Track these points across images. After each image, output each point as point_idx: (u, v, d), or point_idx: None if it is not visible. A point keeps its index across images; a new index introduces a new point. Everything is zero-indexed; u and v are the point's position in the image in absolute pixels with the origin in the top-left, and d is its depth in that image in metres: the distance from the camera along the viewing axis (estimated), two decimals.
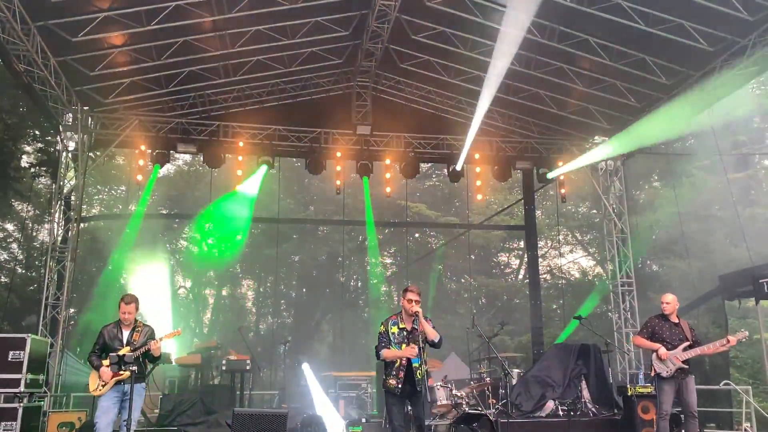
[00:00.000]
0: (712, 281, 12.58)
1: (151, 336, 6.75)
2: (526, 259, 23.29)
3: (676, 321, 7.97)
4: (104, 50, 11.10)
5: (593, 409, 10.58)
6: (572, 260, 26.03)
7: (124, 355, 6.45)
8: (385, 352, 6.49)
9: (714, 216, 18.34)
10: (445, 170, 14.96)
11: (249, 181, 13.88)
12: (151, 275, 27.83)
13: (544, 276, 24.12)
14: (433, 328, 6.56)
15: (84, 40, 10.48)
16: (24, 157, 18.51)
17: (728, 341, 7.63)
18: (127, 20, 10.37)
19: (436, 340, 6.54)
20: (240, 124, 13.56)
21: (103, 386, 6.47)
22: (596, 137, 14.64)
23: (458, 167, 14.24)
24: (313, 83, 13.67)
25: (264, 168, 13.78)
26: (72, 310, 17.75)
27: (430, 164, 25.73)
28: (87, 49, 10.94)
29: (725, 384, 11.39)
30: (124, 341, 6.66)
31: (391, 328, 6.58)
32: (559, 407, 10.47)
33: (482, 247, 24.30)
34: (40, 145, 17.77)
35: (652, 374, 8.00)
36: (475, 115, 12.37)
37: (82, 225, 14.63)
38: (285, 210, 19.81)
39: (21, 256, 22.65)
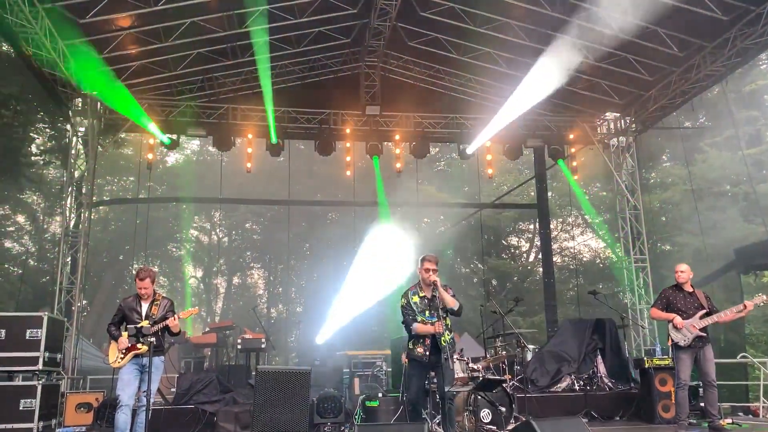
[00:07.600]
0: (726, 258, 12.46)
1: (171, 309, 6.72)
2: (537, 241, 23.20)
3: (691, 290, 7.92)
4: (112, 32, 11.03)
5: (609, 384, 10.54)
6: (582, 242, 25.91)
7: (141, 327, 6.44)
8: (418, 327, 6.46)
9: (726, 193, 18.16)
10: (454, 153, 14.87)
11: None
12: (163, 266, 28.00)
13: (554, 258, 24.05)
14: (453, 296, 6.54)
15: (92, 22, 10.40)
16: (33, 146, 18.54)
17: (745, 306, 7.54)
18: (133, 0, 10.31)
19: (456, 308, 6.52)
20: (249, 106, 13.49)
21: (122, 358, 6.47)
22: (607, 113, 14.51)
23: (470, 151, 14.26)
24: (321, 64, 13.58)
25: None
26: (84, 301, 17.87)
27: (438, 148, 25.66)
28: (95, 31, 10.85)
29: (742, 357, 11.32)
30: (143, 314, 6.64)
31: (412, 298, 6.58)
32: (575, 382, 10.45)
33: (493, 228, 24.22)
34: (49, 131, 17.77)
35: (669, 344, 7.95)
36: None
37: (93, 215, 14.61)
38: (295, 194, 19.74)
39: (33, 248, 22.75)
